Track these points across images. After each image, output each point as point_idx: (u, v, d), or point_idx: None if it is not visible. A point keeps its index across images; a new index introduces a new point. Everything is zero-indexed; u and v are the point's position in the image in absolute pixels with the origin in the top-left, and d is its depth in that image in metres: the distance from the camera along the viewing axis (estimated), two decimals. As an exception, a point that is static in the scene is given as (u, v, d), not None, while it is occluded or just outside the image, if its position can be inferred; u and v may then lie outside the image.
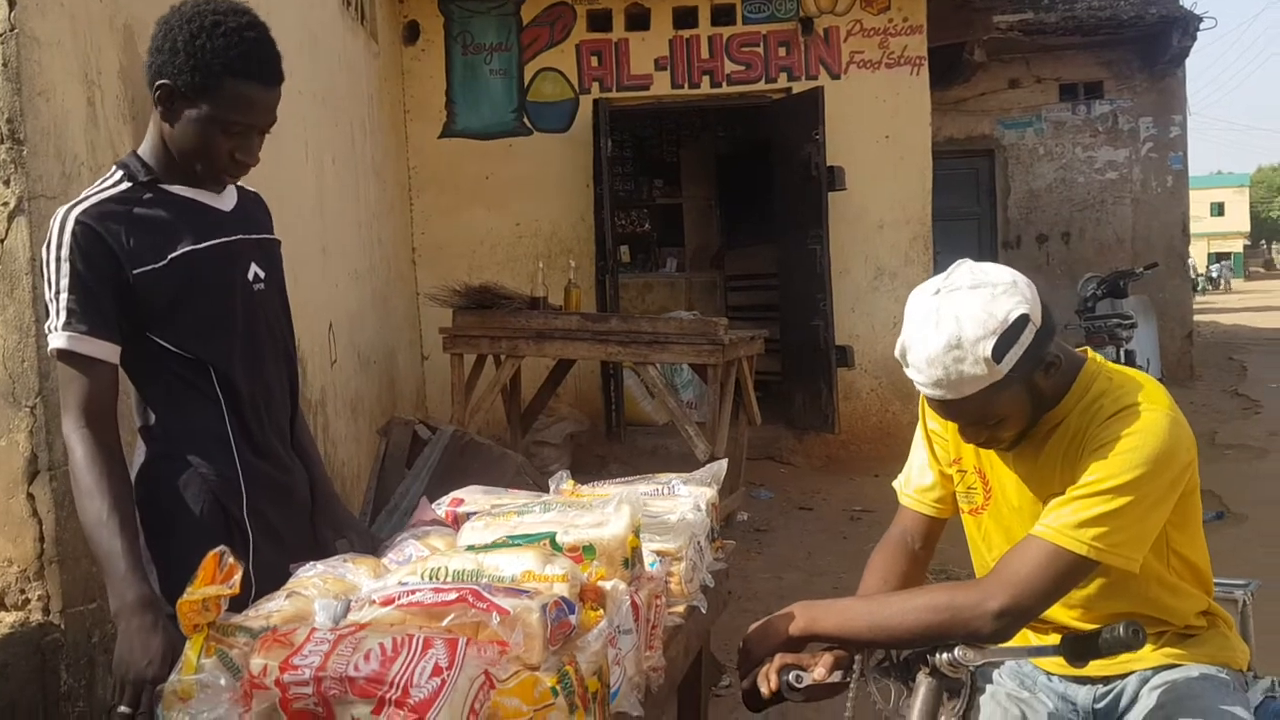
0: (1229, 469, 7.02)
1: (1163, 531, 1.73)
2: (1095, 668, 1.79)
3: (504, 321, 5.37)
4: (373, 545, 1.91)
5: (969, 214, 12.01)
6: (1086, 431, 1.71)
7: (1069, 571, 1.63)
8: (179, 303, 1.79)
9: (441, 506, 2.09)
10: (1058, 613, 1.80)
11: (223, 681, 1.21)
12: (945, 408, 1.72)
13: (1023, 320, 1.62)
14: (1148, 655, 1.82)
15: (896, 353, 1.71)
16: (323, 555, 1.74)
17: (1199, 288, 30.83)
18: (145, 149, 1.85)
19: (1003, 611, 1.61)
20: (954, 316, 1.61)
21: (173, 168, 1.83)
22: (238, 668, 1.30)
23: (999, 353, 1.60)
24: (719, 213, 9.63)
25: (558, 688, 1.34)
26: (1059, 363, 1.72)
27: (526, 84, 7.46)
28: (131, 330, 1.78)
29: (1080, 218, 12.52)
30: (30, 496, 2.44)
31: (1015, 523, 1.85)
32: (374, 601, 1.45)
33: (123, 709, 1.54)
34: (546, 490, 2.14)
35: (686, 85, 7.47)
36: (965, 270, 1.68)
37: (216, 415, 1.85)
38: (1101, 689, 1.87)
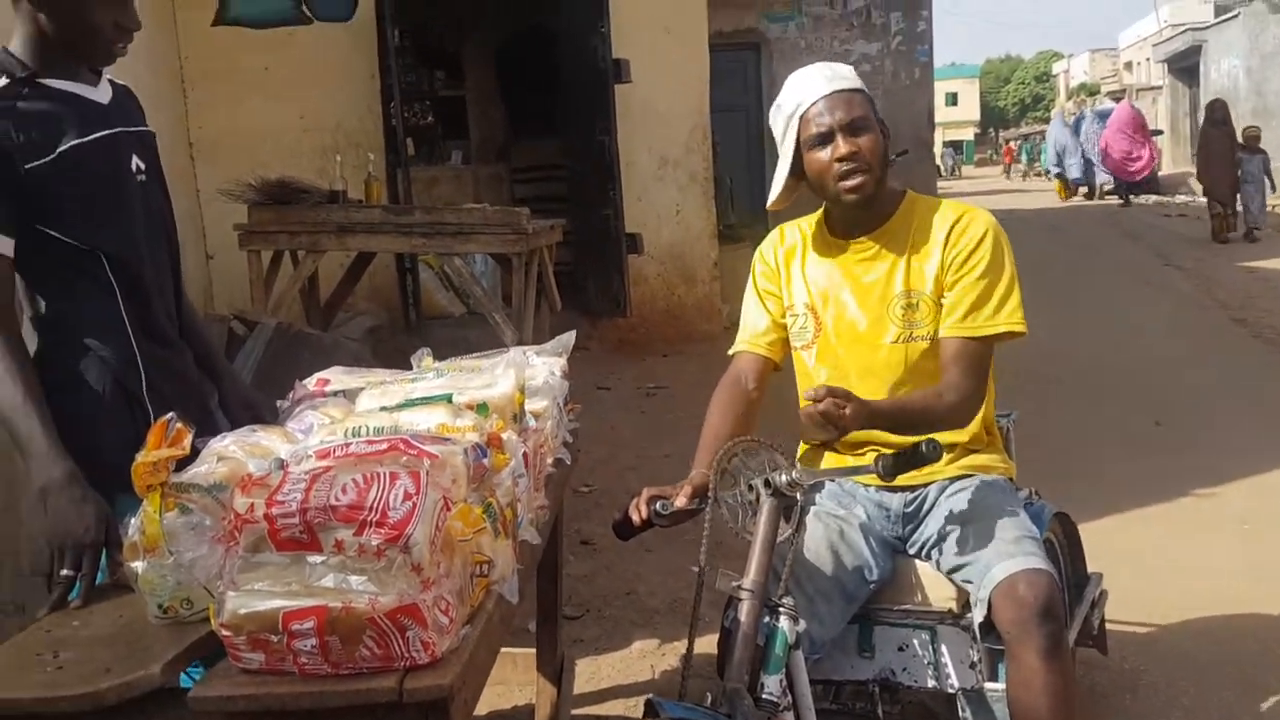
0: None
1: None
2: (902, 480, 2.19)
3: (304, 216, 5.33)
4: (276, 419, 2.05)
5: (738, 106, 12.49)
6: (916, 229, 2.19)
7: (988, 352, 2.17)
8: (70, 195, 1.84)
9: (307, 388, 2.23)
10: (872, 434, 2.18)
11: (208, 523, 1.37)
12: (841, 97, 2.14)
13: None
14: (944, 469, 2.24)
15: (784, 108, 2.17)
16: (217, 432, 1.86)
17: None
18: (16, 45, 1.85)
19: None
20: (833, 64, 2.19)
21: (50, 61, 1.85)
22: (201, 517, 1.46)
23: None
24: (503, 105, 9.63)
25: (484, 515, 1.58)
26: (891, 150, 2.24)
27: (302, -30, 7.18)
28: (21, 224, 1.82)
29: (838, 109, 13.24)
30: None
31: (846, 347, 2.26)
32: (310, 456, 1.63)
33: (66, 572, 1.65)
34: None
35: (468, -28, 7.40)
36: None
37: (110, 301, 1.92)
38: (909, 495, 2.29)
